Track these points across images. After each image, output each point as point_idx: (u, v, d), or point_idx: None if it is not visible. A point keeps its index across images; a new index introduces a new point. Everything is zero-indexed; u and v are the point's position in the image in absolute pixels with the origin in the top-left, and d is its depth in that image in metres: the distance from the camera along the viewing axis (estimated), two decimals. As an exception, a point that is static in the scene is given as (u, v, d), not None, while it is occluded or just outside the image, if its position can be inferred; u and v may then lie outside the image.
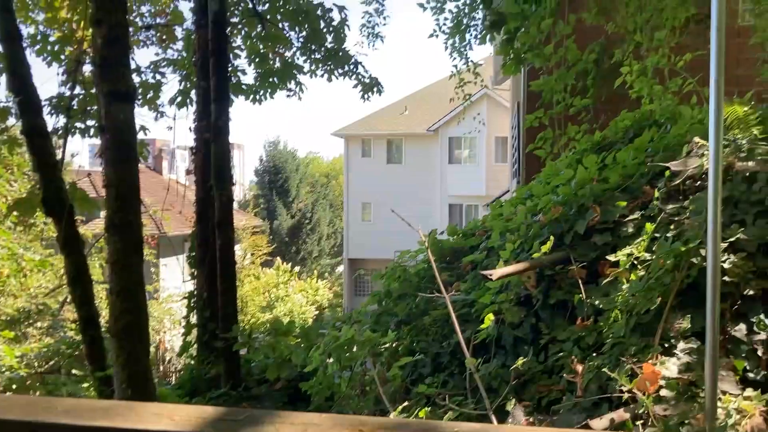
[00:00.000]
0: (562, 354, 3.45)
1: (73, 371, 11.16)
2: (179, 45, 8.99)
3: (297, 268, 31.64)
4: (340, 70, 9.16)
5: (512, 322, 3.84)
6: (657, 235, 3.40)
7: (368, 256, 31.34)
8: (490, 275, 3.60)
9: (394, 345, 4.30)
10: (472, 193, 29.19)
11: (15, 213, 7.95)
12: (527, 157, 9.48)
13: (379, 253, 29.56)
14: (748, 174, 3.45)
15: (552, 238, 3.75)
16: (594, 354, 3.28)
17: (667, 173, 3.79)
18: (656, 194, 3.73)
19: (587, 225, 3.80)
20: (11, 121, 6.81)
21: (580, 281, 3.59)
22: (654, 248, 3.30)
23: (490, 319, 3.67)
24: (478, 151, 29.81)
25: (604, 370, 2.97)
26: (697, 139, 3.88)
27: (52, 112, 8.11)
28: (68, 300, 16.85)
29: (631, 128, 5.18)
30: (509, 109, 19.73)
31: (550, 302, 3.74)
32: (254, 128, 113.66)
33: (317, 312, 28.76)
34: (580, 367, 3.21)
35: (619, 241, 3.67)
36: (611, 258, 3.51)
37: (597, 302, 3.42)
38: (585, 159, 4.38)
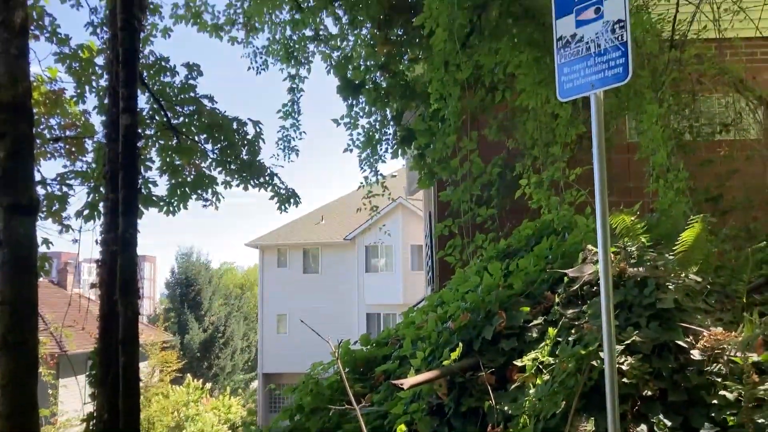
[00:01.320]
0: (475, 463, 3.42)
1: None
2: (89, 157, 8.90)
3: (209, 385, 30.29)
4: (256, 181, 9.27)
5: (425, 433, 3.79)
6: (559, 339, 3.52)
7: (284, 369, 30.48)
8: (401, 384, 3.58)
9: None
10: (390, 301, 29.27)
11: None
12: (440, 265, 9.70)
13: (295, 366, 28.71)
14: (639, 279, 3.67)
15: (461, 344, 3.81)
16: (506, 462, 3.27)
17: (566, 279, 3.98)
18: (557, 299, 3.89)
19: (494, 330, 3.89)
20: None
21: (489, 387, 3.63)
22: (557, 352, 3.40)
23: (401, 430, 3.63)
24: (395, 259, 30.20)
25: (516, 477, 2.97)
26: (590, 246, 4.12)
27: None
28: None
29: (533, 236, 5.43)
30: (422, 218, 20.31)
31: (462, 410, 3.74)
32: (168, 239, 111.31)
33: (230, 431, 27.36)
34: (492, 477, 3.19)
35: (525, 346, 3.77)
36: (518, 363, 3.58)
37: (506, 408, 3.45)
38: (490, 266, 4.54)
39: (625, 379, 3.08)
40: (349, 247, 31.49)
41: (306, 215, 34.19)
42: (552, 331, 3.52)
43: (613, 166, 7.48)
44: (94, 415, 6.10)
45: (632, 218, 4.19)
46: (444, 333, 4.27)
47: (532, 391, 3.36)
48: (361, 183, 8.88)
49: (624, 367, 3.10)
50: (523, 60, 5.90)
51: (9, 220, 4.53)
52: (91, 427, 6.00)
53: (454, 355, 3.74)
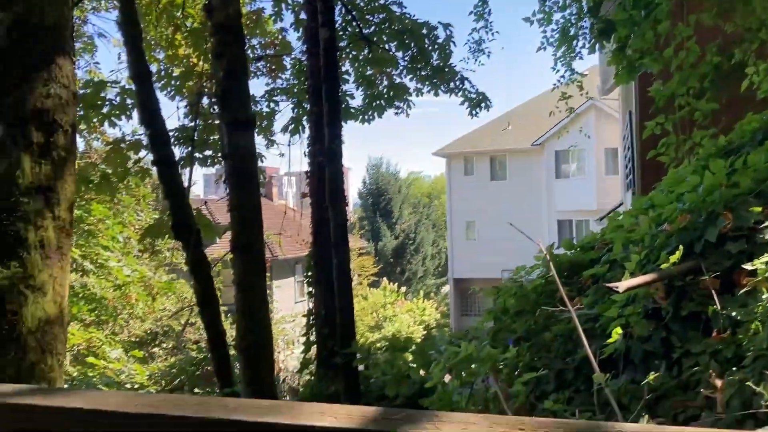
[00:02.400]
0: (697, 368, 3.27)
1: (195, 389, 11.70)
2: (287, 74, 9.37)
3: (403, 289, 31.84)
4: (446, 87, 9.22)
5: (641, 336, 3.69)
6: (799, 240, 3.18)
7: (473, 275, 31.00)
8: (616, 288, 3.48)
9: (514, 361, 4.23)
10: (582, 207, 28.30)
11: (145, 240, 8.51)
12: (643, 167, 9.13)
13: (484, 272, 29.22)
14: None
15: (681, 247, 3.59)
16: (734, 368, 3.09)
17: (807, 175, 3.55)
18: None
19: (719, 232, 3.61)
20: (142, 153, 7.35)
21: (713, 292, 3.41)
22: (797, 255, 3.09)
23: (617, 332, 3.54)
24: (587, 163, 28.93)
25: (748, 384, 2.80)
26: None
27: (175, 143, 8.65)
28: (191, 321, 17.75)
29: (759, 130, 4.89)
30: (618, 119, 19.11)
31: (682, 314, 3.56)
32: (357, 152, 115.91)
33: (425, 332, 28.71)
34: (719, 382, 3.03)
35: (756, 249, 3.46)
36: (748, 266, 3.31)
37: (734, 313, 3.23)
38: (711, 164, 4.17)
39: None
40: (537, 152, 30.64)
41: (492, 122, 33.59)
42: (790, 232, 3.18)
43: None
44: (313, 311, 6.68)
45: None
46: (660, 236, 4.04)
47: (765, 296, 3.10)
48: (555, 84, 8.48)
49: None
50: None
51: (231, 134, 4.94)
52: (311, 322, 6.59)
53: (674, 258, 3.54)
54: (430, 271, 43.65)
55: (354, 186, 51.80)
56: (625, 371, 3.76)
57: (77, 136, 3.63)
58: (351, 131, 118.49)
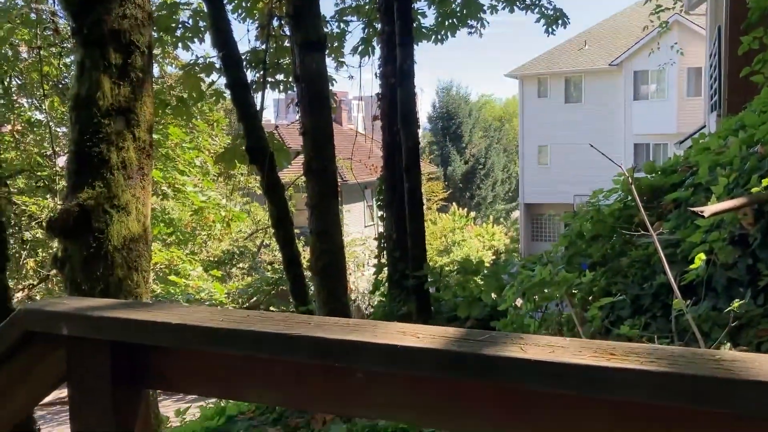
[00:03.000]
0: (785, 297, 3.14)
1: (271, 308, 12.18)
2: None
3: (472, 214, 31.75)
4: (522, 3, 8.81)
5: (725, 263, 3.54)
6: None
7: (544, 200, 30.53)
8: (701, 212, 3.32)
9: (589, 286, 4.16)
10: (661, 131, 27.12)
11: (219, 164, 8.68)
12: (730, 87, 8.60)
13: (555, 197, 28.72)
14: None
15: (774, 170, 3.38)
16: (827, 298, 2.94)
17: None
18: None
19: (818, 155, 3.37)
20: (214, 76, 7.41)
21: (809, 218, 3.22)
22: None
23: (700, 258, 3.41)
24: (668, 84, 27.50)
25: (842, 314, 2.66)
26: None
27: (247, 67, 8.66)
28: (265, 243, 18.29)
29: None
30: (704, 36, 17.94)
31: (771, 241, 3.39)
32: (426, 74, 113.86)
33: (494, 257, 28.72)
34: (810, 312, 2.90)
35: None
36: None
37: (831, 241, 3.05)
38: (813, 81, 3.86)
39: None
40: (614, 73, 29.27)
41: (567, 41, 32.15)
42: None
43: None
44: (384, 235, 6.73)
45: None
46: (751, 158, 3.82)
47: None
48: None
49: None
50: None
51: (303, 56, 4.89)
52: (382, 245, 6.65)
53: (766, 182, 3.35)
54: (500, 196, 43.22)
55: (423, 111, 51.16)
56: (706, 298, 3.64)
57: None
58: (421, 53, 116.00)
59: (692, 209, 3.43)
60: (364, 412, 1.83)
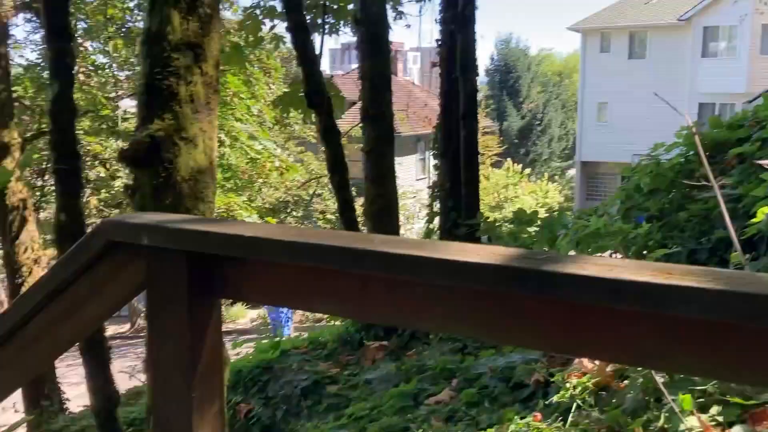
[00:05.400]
0: None
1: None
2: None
3: (527, 170, 31.33)
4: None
5: (790, 218, 3.46)
6: None
7: (602, 158, 29.85)
8: (767, 165, 3.25)
9: (644, 239, 4.13)
10: (729, 90, 25.97)
11: (277, 109, 8.78)
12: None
13: (614, 155, 28.00)
14: None
15: None
16: None
17: None
18: None
19: None
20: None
21: None
22: None
23: (763, 212, 3.35)
24: (739, 41, 26.22)
25: None
26: None
27: (305, 11, 8.63)
28: (317, 192, 18.50)
29: None
30: (783, -11, 16.99)
31: (841, 196, 3.30)
32: (485, 26, 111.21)
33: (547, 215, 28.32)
34: None
35: None
36: None
37: None
38: None
39: None
40: (683, 29, 28.04)
41: (634, -6, 30.92)
42: None
43: None
44: (437, 183, 6.75)
45: None
46: (824, 112, 3.68)
47: None
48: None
49: None
50: None
51: None
52: (435, 194, 6.68)
53: (839, 135, 3.24)
54: (556, 153, 42.44)
55: (481, 62, 50.08)
56: (767, 254, 3.58)
57: None
58: (482, 2, 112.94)
59: (758, 161, 3.36)
60: (425, 324, 1.90)
